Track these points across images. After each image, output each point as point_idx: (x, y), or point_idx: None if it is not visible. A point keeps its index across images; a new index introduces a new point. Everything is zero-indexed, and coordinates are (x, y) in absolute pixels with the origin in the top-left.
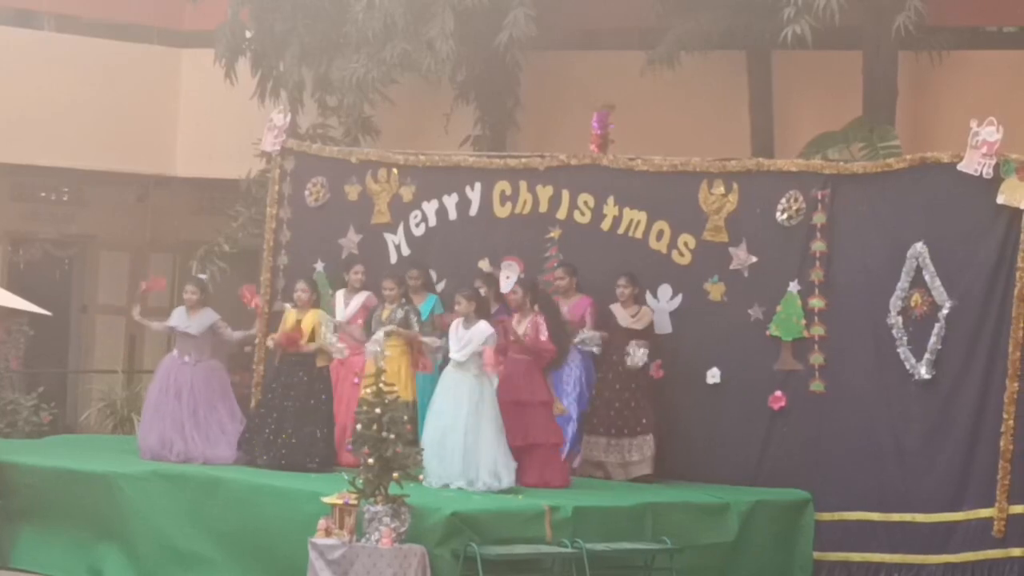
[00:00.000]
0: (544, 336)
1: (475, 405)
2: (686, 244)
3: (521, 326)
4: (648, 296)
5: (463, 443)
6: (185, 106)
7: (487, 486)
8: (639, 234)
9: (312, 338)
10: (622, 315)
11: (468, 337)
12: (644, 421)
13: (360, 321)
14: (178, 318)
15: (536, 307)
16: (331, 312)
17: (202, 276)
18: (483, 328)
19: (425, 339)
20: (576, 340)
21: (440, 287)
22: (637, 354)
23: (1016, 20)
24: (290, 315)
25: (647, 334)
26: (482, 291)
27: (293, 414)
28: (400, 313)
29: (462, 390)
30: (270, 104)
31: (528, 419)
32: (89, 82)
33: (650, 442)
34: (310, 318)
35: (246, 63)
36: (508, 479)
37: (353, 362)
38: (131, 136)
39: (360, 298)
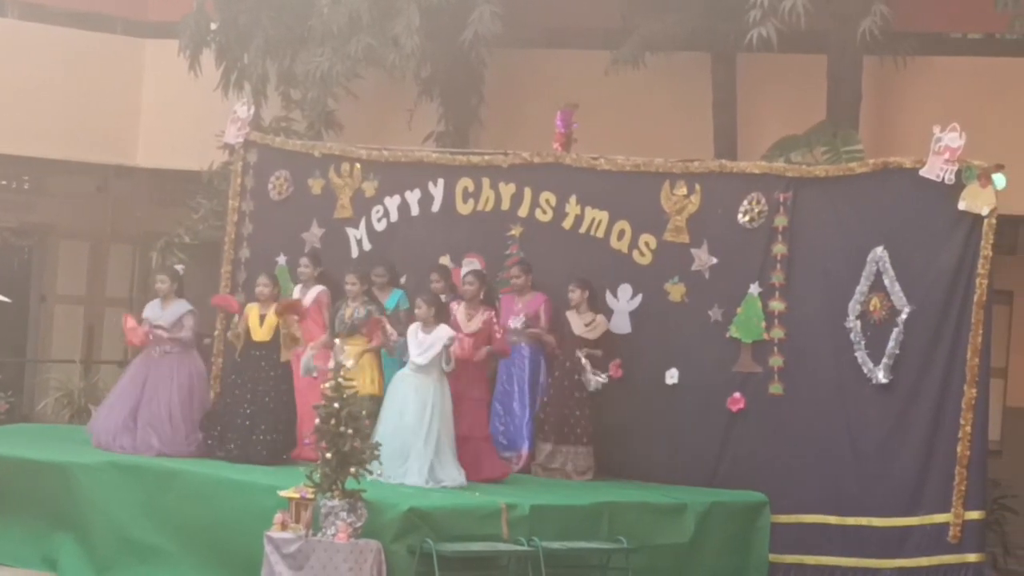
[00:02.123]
0: (498, 332)
1: (438, 408)
2: (647, 244)
3: (473, 321)
4: (608, 296)
5: (433, 445)
6: (148, 97)
7: (445, 484)
8: (600, 233)
9: (273, 333)
10: (576, 322)
11: (430, 342)
12: (579, 431)
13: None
14: (151, 310)
15: (483, 300)
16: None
17: (178, 267)
18: (444, 332)
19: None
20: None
21: (401, 282)
22: (592, 381)
23: (981, 26)
24: (252, 310)
25: (600, 344)
26: (437, 284)
27: (268, 410)
28: (362, 312)
29: (425, 394)
30: (233, 96)
31: (462, 413)
32: (52, 71)
33: (588, 453)
34: (273, 313)
35: (210, 55)
36: (462, 477)
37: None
38: (93, 125)
39: (313, 292)
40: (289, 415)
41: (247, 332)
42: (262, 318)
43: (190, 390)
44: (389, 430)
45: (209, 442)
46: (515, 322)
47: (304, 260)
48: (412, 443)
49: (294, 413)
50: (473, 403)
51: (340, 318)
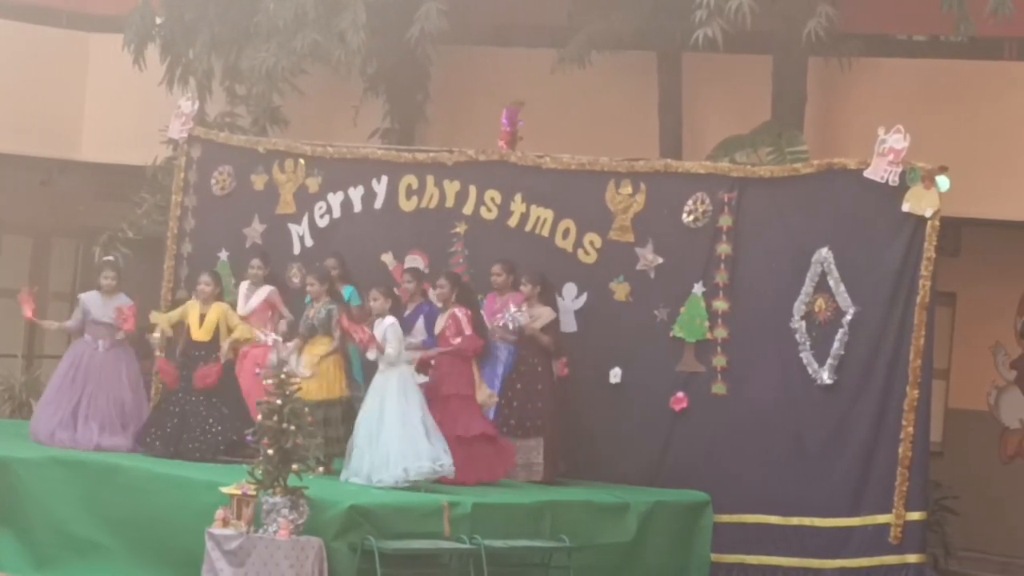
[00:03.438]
0: (468, 331)
1: (396, 401)
2: (592, 243)
3: (441, 320)
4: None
5: (386, 439)
6: (92, 91)
7: (382, 480)
8: (545, 232)
9: (215, 331)
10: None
11: (389, 332)
12: (539, 423)
13: (270, 314)
14: (92, 303)
15: (455, 300)
16: (234, 302)
17: (109, 258)
18: (385, 322)
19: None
20: (501, 323)
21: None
22: (515, 316)
23: (925, 29)
24: (192, 307)
25: (547, 333)
26: (411, 285)
27: (207, 408)
28: (323, 313)
29: (386, 388)
30: (178, 91)
31: (458, 412)
32: None
33: (539, 446)
34: (214, 312)
35: (155, 49)
36: (425, 469)
37: (255, 354)
38: (36, 119)
39: (263, 292)
40: (227, 412)
41: (187, 331)
42: (202, 317)
43: (132, 384)
44: (358, 430)
45: (147, 439)
46: (506, 319)
47: (256, 261)
48: (362, 440)
49: (239, 409)
50: (462, 401)
51: (304, 319)
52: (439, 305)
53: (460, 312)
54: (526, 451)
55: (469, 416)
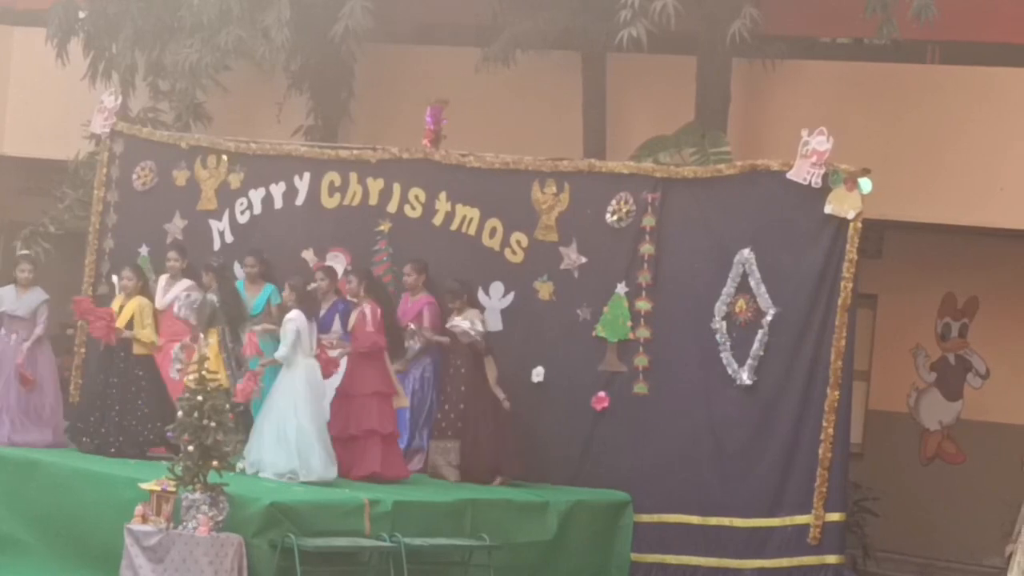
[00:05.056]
0: (370, 327)
1: (300, 398)
2: (519, 243)
3: (352, 317)
4: (480, 293)
5: (294, 436)
6: (15, 85)
7: (315, 477)
8: (472, 231)
9: (129, 323)
10: (455, 320)
11: (284, 331)
12: (459, 425)
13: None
14: (7, 298)
15: (364, 295)
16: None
17: (26, 252)
18: (289, 316)
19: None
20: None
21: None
22: (461, 325)
23: (849, 32)
24: (116, 302)
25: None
26: (324, 283)
27: (118, 400)
28: (196, 296)
29: (291, 383)
30: (101, 86)
31: (360, 409)
32: None
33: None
34: (131, 305)
35: (78, 44)
36: (332, 472)
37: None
38: None
39: (181, 286)
40: (144, 405)
41: None
42: (121, 309)
43: (44, 380)
44: (261, 422)
45: (84, 439)
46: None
47: (173, 254)
48: (270, 436)
49: (156, 404)
50: (370, 398)
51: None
52: (353, 300)
53: (368, 308)
54: (445, 452)
55: (380, 413)
